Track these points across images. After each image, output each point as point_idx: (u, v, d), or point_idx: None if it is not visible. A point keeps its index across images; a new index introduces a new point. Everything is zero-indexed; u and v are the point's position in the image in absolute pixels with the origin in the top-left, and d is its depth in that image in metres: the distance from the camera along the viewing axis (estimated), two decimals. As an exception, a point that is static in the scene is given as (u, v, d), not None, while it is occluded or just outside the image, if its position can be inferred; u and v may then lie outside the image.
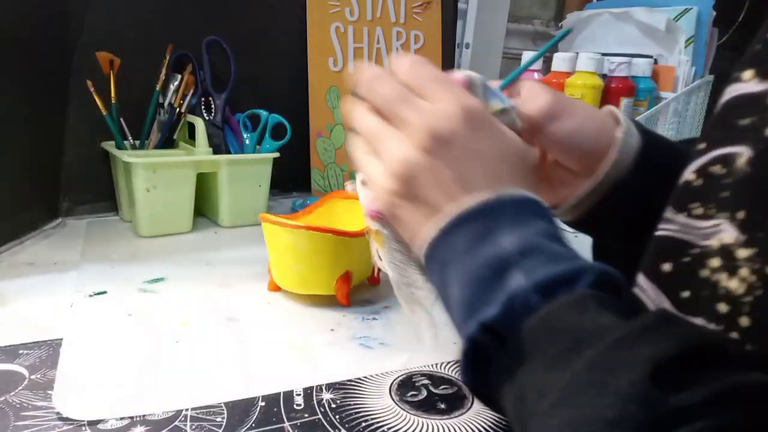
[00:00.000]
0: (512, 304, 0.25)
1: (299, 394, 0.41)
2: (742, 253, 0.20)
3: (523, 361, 0.24)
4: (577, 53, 0.87)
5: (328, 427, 0.37)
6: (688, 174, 0.25)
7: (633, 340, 0.21)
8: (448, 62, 1.07)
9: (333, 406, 0.40)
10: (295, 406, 0.39)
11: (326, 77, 0.94)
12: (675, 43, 0.92)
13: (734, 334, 0.21)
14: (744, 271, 0.20)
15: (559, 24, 1.20)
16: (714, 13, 0.90)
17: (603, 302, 0.24)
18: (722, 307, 0.22)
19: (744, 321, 0.21)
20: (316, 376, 0.43)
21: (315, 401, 0.40)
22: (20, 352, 0.44)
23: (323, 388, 0.42)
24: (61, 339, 0.45)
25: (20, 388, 0.39)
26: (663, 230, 0.27)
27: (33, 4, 0.65)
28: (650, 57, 0.92)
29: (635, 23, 0.98)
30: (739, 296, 0.21)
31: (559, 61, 0.89)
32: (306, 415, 0.38)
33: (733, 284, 0.21)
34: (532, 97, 0.37)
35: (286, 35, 0.91)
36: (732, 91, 0.23)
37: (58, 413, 0.37)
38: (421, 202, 0.30)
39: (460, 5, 1.08)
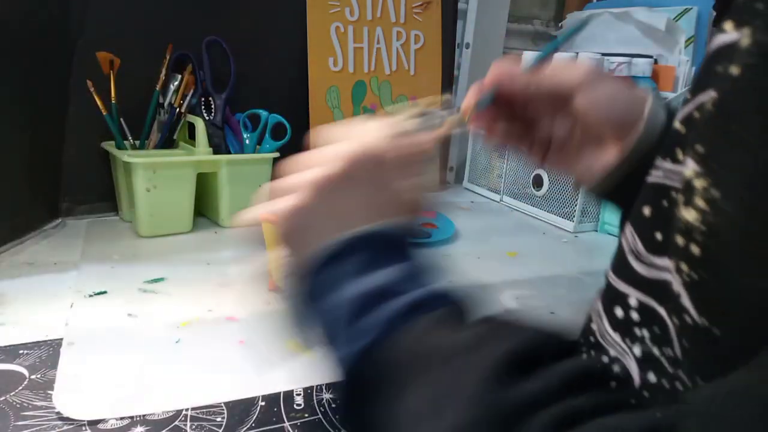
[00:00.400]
0: (363, 345, 0.26)
1: (299, 394, 0.41)
2: (699, 183, 0.21)
3: (383, 391, 0.25)
4: (577, 53, 0.87)
5: (328, 427, 0.37)
6: (676, 123, 0.26)
7: (469, 349, 0.23)
8: (448, 62, 1.07)
9: (333, 406, 0.40)
10: (295, 406, 0.39)
11: (326, 77, 0.94)
12: (675, 43, 0.92)
13: (684, 266, 0.22)
14: (699, 201, 0.21)
15: (559, 24, 1.20)
16: (714, 13, 0.90)
17: (451, 319, 0.26)
18: (680, 240, 0.22)
19: (695, 249, 0.21)
20: (316, 376, 0.43)
21: (315, 401, 0.40)
22: (20, 352, 0.44)
23: (323, 388, 0.42)
24: (61, 339, 0.45)
25: (20, 388, 0.39)
26: (651, 177, 0.29)
27: (33, 4, 0.65)
28: (650, 57, 0.92)
29: (635, 23, 0.98)
30: (693, 226, 0.22)
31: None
32: (306, 415, 0.38)
33: (690, 215, 0.22)
34: (572, 66, 0.41)
35: (286, 35, 0.91)
36: (715, 42, 0.24)
37: (58, 413, 0.37)
38: (303, 237, 0.31)
39: (460, 5, 1.08)
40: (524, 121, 0.43)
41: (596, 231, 0.88)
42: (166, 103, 0.76)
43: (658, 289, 0.25)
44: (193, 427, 0.36)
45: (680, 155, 0.26)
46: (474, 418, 0.20)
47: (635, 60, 0.90)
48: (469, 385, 0.21)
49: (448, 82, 1.09)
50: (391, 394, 0.25)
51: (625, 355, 0.25)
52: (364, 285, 0.28)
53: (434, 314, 0.26)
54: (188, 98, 0.76)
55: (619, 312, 0.32)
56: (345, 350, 0.27)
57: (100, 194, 0.78)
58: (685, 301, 0.22)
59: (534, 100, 0.42)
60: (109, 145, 0.74)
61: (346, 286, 0.29)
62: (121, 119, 0.73)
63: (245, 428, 0.37)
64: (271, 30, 0.89)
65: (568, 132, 0.43)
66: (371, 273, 0.29)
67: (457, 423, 0.20)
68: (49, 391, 0.39)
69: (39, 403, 0.38)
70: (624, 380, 0.22)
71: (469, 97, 0.43)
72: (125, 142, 0.74)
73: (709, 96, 0.23)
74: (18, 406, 0.37)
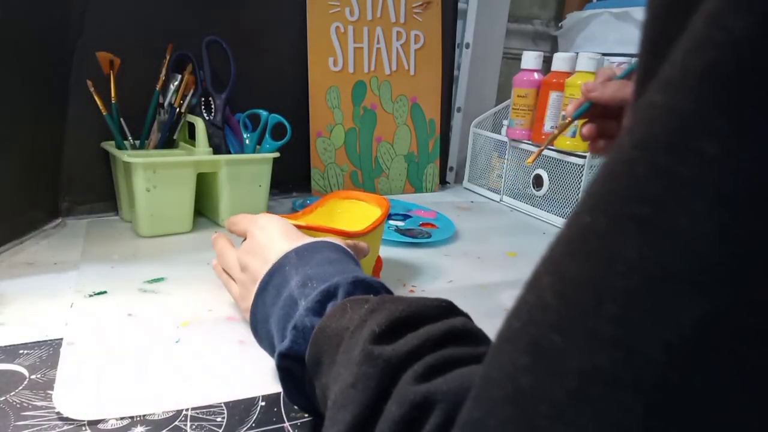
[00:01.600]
0: (296, 331, 0.33)
1: (299, 394, 0.40)
2: None
3: (317, 369, 0.31)
4: (577, 53, 0.87)
5: (328, 427, 0.37)
6: None
7: (363, 322, 0.29)
8: (448, 62, 1.07)
9: (333, 406, 0.40)
10: (295, 407, 0.39)
11: (326, 77, 0.94)
12: (675, 43, 0.92)
13: None
14: None
15: (559, 24, 1.20)
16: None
17: (358, 301, 0.32)
18: None
19: None
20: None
21: (315, 401, 0.40)
22: (20, 352, 0.44)
23: (323, 388, 0.42)
24: (61, 339, 0.45)
25: (20, 388, 0.39)
26: None
27: (33, 3, 0.65)
28: (650, 57, 0.92)
29: (635, 23, 0.98)
30: None
31: (559, 61, 0.89)
32: (306, 415, 0.38)
33: None
34: None
35: (286, 35, 0.91)
36: None
37: (58, 413, 0.37)
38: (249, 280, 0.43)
39: (460, 5, 1.08)
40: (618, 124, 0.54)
41: (596, 231, 0.88)
42: (166, 103, 0.76)
43: None
44: (193, 427, 0.36)
45: None
46: (361, 374, 0.25)
47: (635, 60, 0.90)
48: (357, 352, 0.26)
49: (448, 82, 1.09)
50: (317, 371, 0.31)
51: None
52: (281, 299, 0.37)
53: (344, 300, 0.33)
54: (188, 98, 0.76)
55: None
56: (284, 343, 0.33)
57: (100, 194, 0.78)
58: None
59: (624, 107, 0.51)
60: (109, 145, 0.74)
61: (271, 308, 0.38)
62: (121, 119, 0.73)
63: (245, 428, 0.37)
64: (271, 30, 0.89)
65: None
66: (285, 287, 0.37)
67: (348, 381, 0.25)
68: (49, 391, 0.39)
69: (39, 403, 0.38)
70: (485, 337, 0.28)
71: (569, 108, 0.57)
72: (125, 142, 0.74)
73: None
74: (18, 406, 0.37)
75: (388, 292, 0.37)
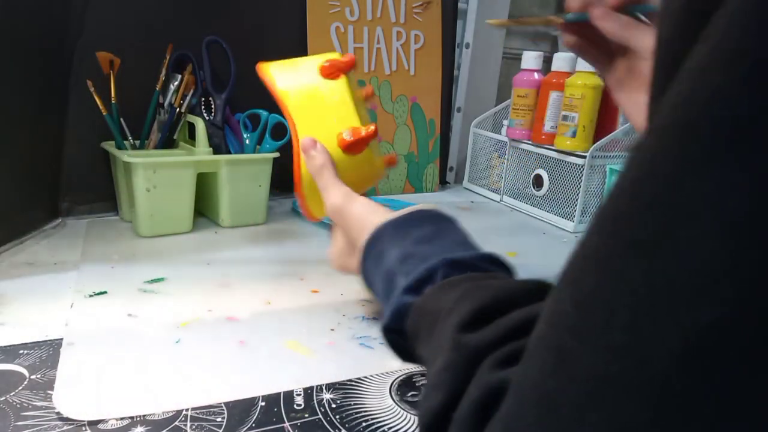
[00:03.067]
0: (396, 308, 0.36)
1: (299, 394, 0.41)
2: None
3: (416, 341, 0.34)
4: (577, 53, 0.87)
5: (328, 427, 0.37)
6: None
7: (451, 310, 0.30)
8: (448, 62, 1.07)
9: (333, 406, 0.40)
10: (295, 406, 0.39)
11: (326, 77, 0.94)
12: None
13: None
14: None
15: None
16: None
17: (453, 283, 0.34)
18: None
19: None
20: (316, 376, 0.43)
21: (315, 401, 0.40)
22: (20, 352, 0.44)
23: (323, 388, 0.42)
24: (61, 339, 0.45)
25: (20, 388, 0.39)
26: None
27: (33, 3, 0.65)
28: (650, 57, 0.92)
29: (635, 23, 0.98)
30: None
31: (560, 61, 0.89)
32: (306, 415, 0.38)
33: None
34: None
35: (286, 35, 0.91)
36: None
37: (58, 413, 0.37)
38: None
39: (460, 5, 1.08)
40: (605, 47, 0.50)
41: (596, 231, 0.88)
42: (166, 103, 0.76)
43: None
44: (193, 427, 0.36)
45: None
46: (450, 360, 0.27)
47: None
48: (444, 338, 0.28)
49: (448, 82, 1.09)
50: (416, 343, 0.34)
51: None
52: (392, 257, 0.40)
53: (441, 282, 0.35)
54: (188, 98, 0.76)
55: None
56: (386, 319, 0.37)
57: (100, 194, 0.78)
58: None
59: (623, 48, 0.49)
60: (109, 145, 0.74)
61: (385, 258, 0.41)
62: (121, 119, 0.73)
63: (245, 428, 0.37)
64: (271, 30, 0.89)
65: (633, 77, 0.49)
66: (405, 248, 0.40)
67: (440, 365, 0.27)
68: (49, 391, 0.39)
69: (39, 403, 0.38)
70: None
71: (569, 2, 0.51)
72: (125, 142, 0.74)
73: None
74: (18, 406, 0.37)
75: (486, 262, 0.40)
